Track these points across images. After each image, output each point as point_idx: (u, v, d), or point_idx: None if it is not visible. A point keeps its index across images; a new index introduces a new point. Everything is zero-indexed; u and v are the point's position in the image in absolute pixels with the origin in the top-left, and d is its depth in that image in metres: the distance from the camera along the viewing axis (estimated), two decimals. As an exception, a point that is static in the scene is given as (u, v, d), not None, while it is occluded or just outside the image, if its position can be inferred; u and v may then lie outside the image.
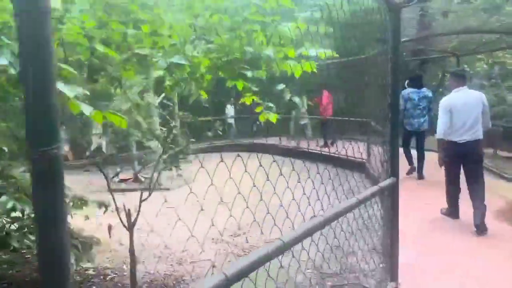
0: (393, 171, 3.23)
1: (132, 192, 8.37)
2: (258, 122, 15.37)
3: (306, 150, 11.33)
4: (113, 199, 3.40)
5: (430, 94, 7.24)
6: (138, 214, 3.44)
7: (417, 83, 7.26)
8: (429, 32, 7.21)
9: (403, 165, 7.46)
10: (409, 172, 7.42)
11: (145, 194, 3.77)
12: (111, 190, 3.51)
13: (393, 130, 3.21)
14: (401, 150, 7.21)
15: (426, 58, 11.20)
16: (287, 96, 3.66)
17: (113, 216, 4.94)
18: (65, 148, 11.18)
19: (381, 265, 3.51)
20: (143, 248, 4.75)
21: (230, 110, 16.24)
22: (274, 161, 2.99)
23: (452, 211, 5.04)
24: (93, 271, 3.93)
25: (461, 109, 4.68)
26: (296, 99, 3.79)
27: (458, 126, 4.69)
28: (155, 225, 5.72)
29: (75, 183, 9.62)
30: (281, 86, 3.33)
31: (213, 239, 4.98)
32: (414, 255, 4.02)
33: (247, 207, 2.06)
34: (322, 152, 10.43)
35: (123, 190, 8.46)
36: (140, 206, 3.46)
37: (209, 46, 2.46)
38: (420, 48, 9.60)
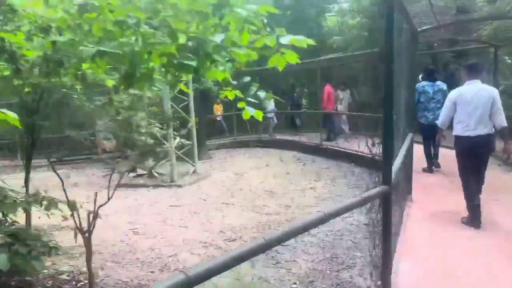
0: (386, 178, 2.78)
1: (143, 188, 8.26)
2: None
3: (331, 147, 10.81)
4: (66, 197, 3.11)
5: (445, 87, 7.02)
6: (95, 219, 3.13)
7: (431, 76, 7.12)
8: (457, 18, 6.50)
9: (421, 160, 7.11)
10: (426, 170, 7.15)
11: (118, 197, 3.46)
12: (64, 189, 3.21)
13: (386, 131, 2.74)
14: (420, 146, 7.11)
15: (462, 49, 10.29)
16: (253, 90, 3.28)
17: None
18: (104, 142, 11.08)
19: (373, 281, 3.06)
20: (131, 250, 4.53)
21: (269, 103, 15.19)
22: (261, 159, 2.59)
23: (472, 217, 4.46)
24: (68, 276, 3.72)
25: (469, 102, 4.46)
26: (262, 94, 3.40)
27: (464, 119, 4.49)
28: (153, 225, 5.51)
29: (91, 177, 9.69)
30: (246, 79, 2.97)
31: (205, 243, 4.67)
32: (415, 256, 3.70)
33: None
34: (346, 150, 9.86)
35: (135, 186, 8.35)
36: (97, 211, 3.15)
37: (153, 31, 2.12)
38: (451, 38, 8.77)
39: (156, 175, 9.01)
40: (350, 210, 2.36)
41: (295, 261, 4.02)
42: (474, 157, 4.50)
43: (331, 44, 13.49)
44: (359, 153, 8.86)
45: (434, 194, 5.83)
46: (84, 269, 3.95)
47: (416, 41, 5.21)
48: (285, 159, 10.58)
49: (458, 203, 4.76)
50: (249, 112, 3.38)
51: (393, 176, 3.15)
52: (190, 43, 2.12)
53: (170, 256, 4.27)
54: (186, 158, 9.23)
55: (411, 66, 5.30)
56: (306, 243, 4.45)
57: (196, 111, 9.82)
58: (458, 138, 4.59)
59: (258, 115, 3.41)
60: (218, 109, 15.69)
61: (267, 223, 5.29)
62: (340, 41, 13.15)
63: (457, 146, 4.63)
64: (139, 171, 9.60)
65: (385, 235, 2.83)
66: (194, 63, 2.05)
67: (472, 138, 4.43)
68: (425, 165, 7.18)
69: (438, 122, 4.90)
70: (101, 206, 3.13)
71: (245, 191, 7.36)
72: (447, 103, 4.69)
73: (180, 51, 2.09)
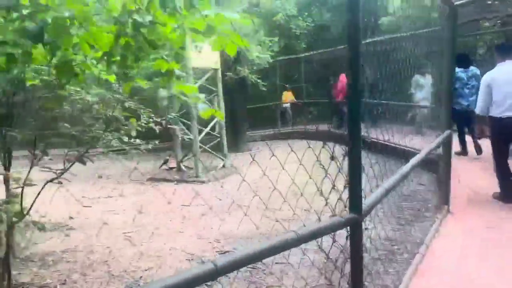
0: (354, 204, 2.02)
1: (167, 182, 7.98)
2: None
3: (379, 142, 9.74)
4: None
5: (478, 72, 6.93)
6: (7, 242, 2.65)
7: (464, 62, 7.00)
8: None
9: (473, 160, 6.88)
10: (459, 153, 7.20)
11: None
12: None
13: (353, 136, 1.98)
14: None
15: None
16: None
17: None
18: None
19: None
20: (107, 260, 4.14)
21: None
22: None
23: (504, 194, 4.60)
24: (24, 288, 3.41)
25: (503, 83, 4.44)
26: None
27: (500, 101, 4.44)
28: (150, 228, 5.12)
29: (124, 169, 9.52)
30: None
31: (193, 254, 4.17)
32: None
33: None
34: (400, 146, 8.73)
35: (159, 180, 8.09)
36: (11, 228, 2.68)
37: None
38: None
39: (184, 169, 8.69)
40: (274, 254, 1.66)
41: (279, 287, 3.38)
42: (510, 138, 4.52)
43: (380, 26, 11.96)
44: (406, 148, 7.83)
45: (482, 202, 4.76)
46: (49, 280, 3.64)
47: (454, 19, 4.20)
48: (328, 153, 9.71)
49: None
50: (203, 110, 2.82)
51: (377, 195, 2.39)
52: (31, 24, 1.56)
53: (145, 270, 3.82)
54: (213, 152, 8.78)
55: (447, 49, 4.28)
56: (300, 262, 3.78)
57: (230, 102, 9.33)
58: (493, 119, 4.56)
59: (216, 113, 2.83)
60: (288, 97, 14.83)
61: (269, 233, 4.66)
62: (388, 22, 11.48)
63: (492, 128, 4.62)
64: (172, 163, 9.32)
65: (355, 278, 2.09)
66: (16, 50, 1.49)
67: (507, 119, 4.38)
68: (476, 166, 6.55)
69: (477, 110, 4.78)
70: (16, 222, 2.68)
71: (269, 190, 6.74)
72: (482, 88, 4.63)
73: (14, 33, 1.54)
